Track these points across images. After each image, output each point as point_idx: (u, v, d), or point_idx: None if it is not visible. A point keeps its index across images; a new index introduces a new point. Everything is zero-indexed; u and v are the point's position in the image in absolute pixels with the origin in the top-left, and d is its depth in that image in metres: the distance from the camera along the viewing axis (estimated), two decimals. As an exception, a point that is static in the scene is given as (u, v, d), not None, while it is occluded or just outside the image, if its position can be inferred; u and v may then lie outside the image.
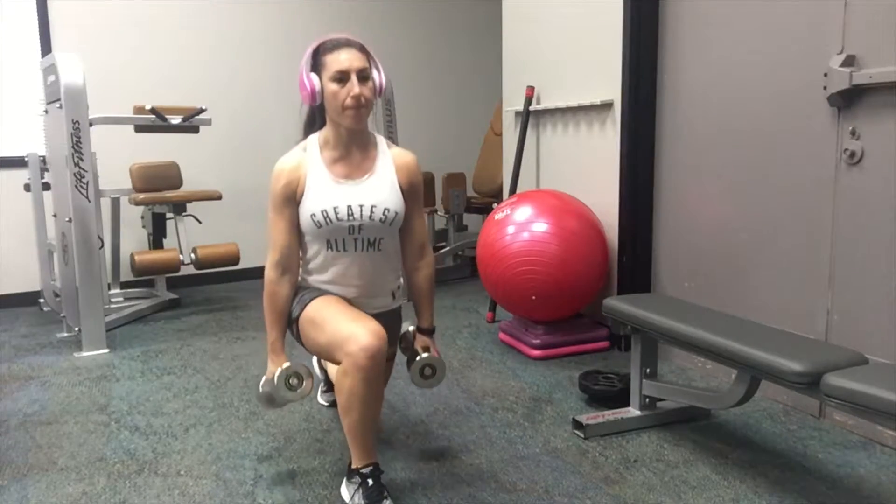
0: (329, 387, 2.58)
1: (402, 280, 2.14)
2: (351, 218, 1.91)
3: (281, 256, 1.95)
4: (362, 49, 1.90)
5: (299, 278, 2.03)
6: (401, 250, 2.08)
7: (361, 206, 1.92)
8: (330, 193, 1.91)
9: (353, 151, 1.95)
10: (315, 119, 2.00)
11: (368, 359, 1.73)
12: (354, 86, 1.84)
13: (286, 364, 1.95)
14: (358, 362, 1.73)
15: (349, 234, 1.93)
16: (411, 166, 2.02)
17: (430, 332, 2.15)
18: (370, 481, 1.82)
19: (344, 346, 1.76)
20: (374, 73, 1.92)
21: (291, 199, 1.92)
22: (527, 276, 3.00)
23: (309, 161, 1.94)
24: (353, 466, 1.86)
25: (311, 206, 1.91)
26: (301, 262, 2.03)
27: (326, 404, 2.60)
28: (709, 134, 2.81)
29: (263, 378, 2.06)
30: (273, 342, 1.99)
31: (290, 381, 1.94)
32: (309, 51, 1.93)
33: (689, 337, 2.02)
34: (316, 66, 1.90)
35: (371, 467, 1.84)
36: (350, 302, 1.99)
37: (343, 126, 1.91)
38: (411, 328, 2.17)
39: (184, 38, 4.78)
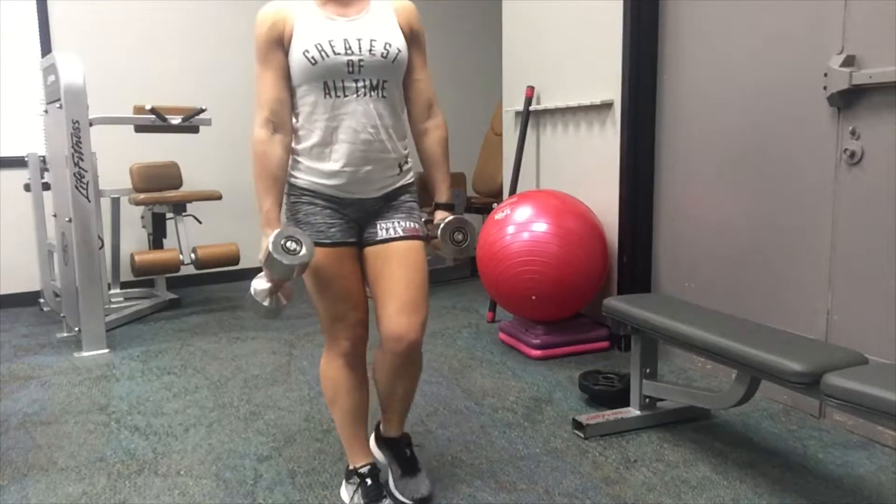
0: None
1: (408, 149, 1.88)
2: (349, 51, 1.68)
3: (271, 112, 1.71)
4: None
5: (294, 163, 1.80)
6: (408, 113, 1.88)
7: (360, 40, 1.70)
8: (323, 29, 1.70)
9: None
10: None
11: (352, 347, 1.80)
12: None
13: (278, 229, 1.65)
14: (340, 349, 1.80)
15: (348, 74, 1.69)
16: (411, 9, 1.84)
17: (449, 208, 1.92)
18: (369, 480, 1.82)
19: (327, 331, 1.82)
20: None
21: (279, 43, 1.70)
22: (527, 276, 3.00)
23: (297, 2, 1.72)
24: (350, 467, 1.86)
25: (304, 43, 1.68)
26: (296, 129, 1.78)
27: None
28: (709, 134, 2.81)
29: (253, 286, 1.74)
30: (267, 211, 1.71)
31: (288, 245, 1.62)
32: None
33: (689, 337, 2.02)
34: None
35: (369, 466, 1.84)
36: (353, 182, 1.76)
37: None
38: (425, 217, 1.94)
39: (184, 39, 4.78)
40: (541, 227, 3.02)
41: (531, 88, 3.63)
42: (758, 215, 2.62)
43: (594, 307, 3.08)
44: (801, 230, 2.46)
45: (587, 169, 3.35)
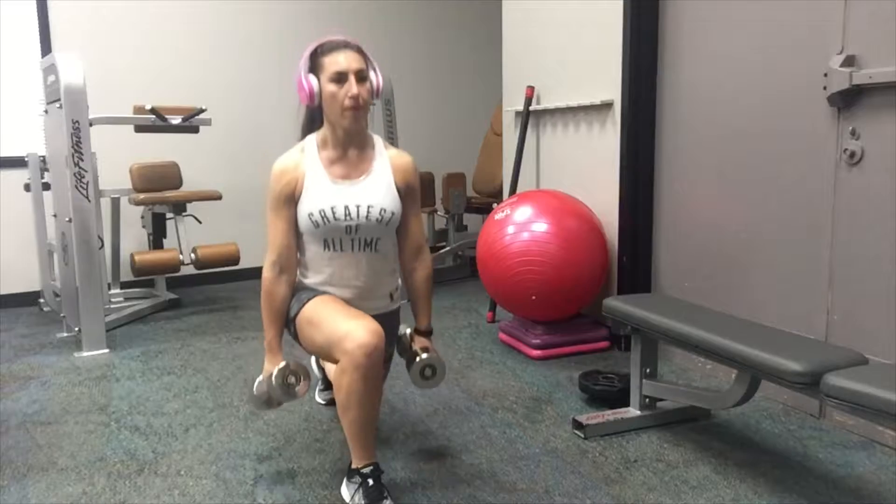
0: (327, 385, 2.58)
1: (399, 282, 2.16)
2: (348, 218, 1.93)
3: (279, 257, 1.96)
4: (360, 50, 1.93)
5: (297, 278, 2.05)
6: (398, 252, 2.10)
7: (358, 207, 1.94)
8: (327, 194, 1.93)
9: (351, 152, 1.97)
10: (313, 120, 2.03)
11: (366, 356, 1.73)
12: (353, 86, 1.87)
13: (283, 363, 1.93)
14: (355, 360, 1.73)
15: (346, 234, 1.95)
16: (408, 167, 2.04)
17: (427, 334, 2.16)
18: (370, 481, 1.82)
19: (341, 344, 1.76)
20: (372, 74, 1.95)
21: (290, 199, 1.94)
22: (527, 276, 3.00)
23: (307, 161, 1.95)
24: (353, 466, 1.87)
25: (309, 206, 1.92)
26: (299, 262, 2.04)
27: (324, 402, 2.60)
28: (709, 134, 2.81)
29: (258, 379, 2.04)
30: (270, 341, 1.99)
31: (288, 379, 1.92)
32: (307, 52, 1.95)
33: (689, 337, 2.02)
34: (314, 67, 1.93)
35: (371, 467, 1.84)
36: (348, 303, 1.99)
37: (341, 127, 1.93)
38: (408, 330, 2.18)
39: (184, 39, 4.78)
40: (541, 227, 3.02)
41: (531, 88, 3.63)
42: (757, 215, 2.62)
43: (594, 307, 3.07)
44: (801, 230, 2.46)
45: (587, 169, 3.35)
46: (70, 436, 2.41)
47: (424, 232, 2.16)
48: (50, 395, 2.83)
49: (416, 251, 2.11)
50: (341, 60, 1.88)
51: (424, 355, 2.08)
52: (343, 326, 1.80)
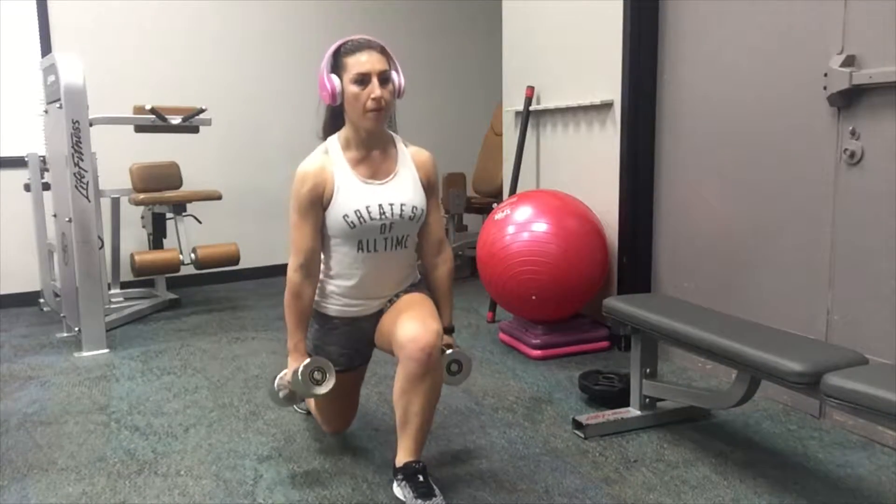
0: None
1: (416, 263, 2.17)
2: (383, 217, 1.95)
3: (305, 260, 1.97)
4: (383, 51, 1.92)
5: (323, 294, 2.08)
6: (420, 248, 2.12)
7: (392, 205, 1.96)
8: (360, 194, 1.94)
9: (374, 152, 1.98)
10: (336, 118, 2.01)
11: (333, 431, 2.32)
12: (375, 88, 1.86)
13: (308, 360, 1.97)
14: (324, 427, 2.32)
15: (380, 234, 1.97)
16: (429, 163, 2.07)
17: (450, 332, 2.16)
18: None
19: (317, 415, 2.30)
20: (394, 75, 1.93)
21: (317, 202, 1.94)
22: (527, 276, 3.00)
23: (333, 163, 1.95)
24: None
25: (343, 208, 1.93)
26: (326, 272, 2.06)
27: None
28: (709, 134, 2.81)
29: (278, 377, 2.08)
30: (296, 344, 2.02)
31: (314, 375, 1.95)
32: (329, 51, 1.93)
33: (689, 337, 2.02)
34: (336, 66, 1.91)
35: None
36: (372, 304, 2.08)
37: (363, 128, 1.93)
38: None
39: (184, 38, 4.78)
40: (541, 227, 3.02)
41: (531, 88, 3.63)
42: (758, 215, 2.62)
43: (594, 307, 3.07)
44: (801, 230, 2.46)
45: (587, 169, 3.35)
46: (70, 436, 2.41)
47: (443, 224, 2.18)
48: (50, 395, 2.83)
49: (438, 245, 2.13)
50: (364, 61, 1.87)
51: (449, 351, 2.06)
52: (325, 415, 2.27)
